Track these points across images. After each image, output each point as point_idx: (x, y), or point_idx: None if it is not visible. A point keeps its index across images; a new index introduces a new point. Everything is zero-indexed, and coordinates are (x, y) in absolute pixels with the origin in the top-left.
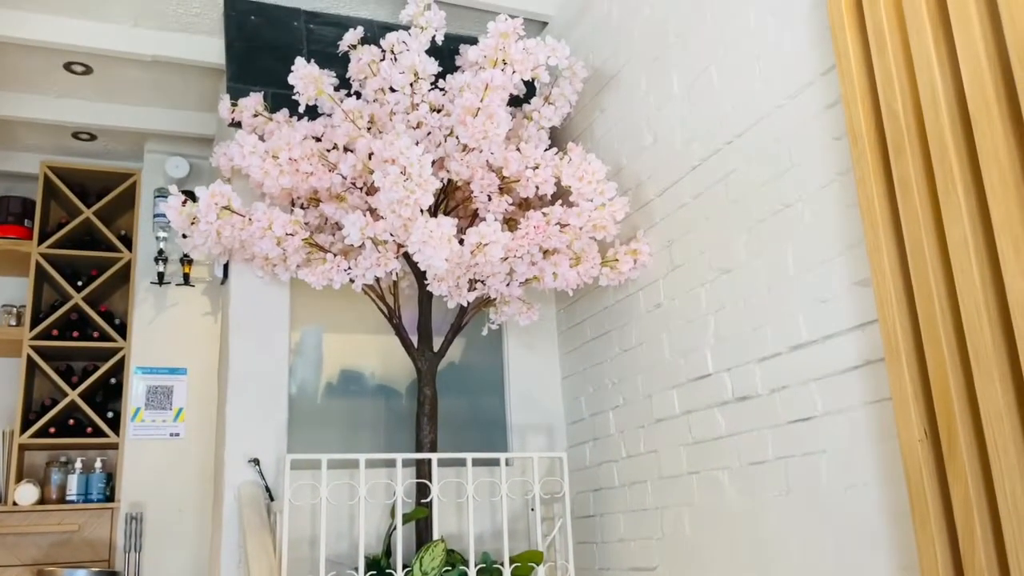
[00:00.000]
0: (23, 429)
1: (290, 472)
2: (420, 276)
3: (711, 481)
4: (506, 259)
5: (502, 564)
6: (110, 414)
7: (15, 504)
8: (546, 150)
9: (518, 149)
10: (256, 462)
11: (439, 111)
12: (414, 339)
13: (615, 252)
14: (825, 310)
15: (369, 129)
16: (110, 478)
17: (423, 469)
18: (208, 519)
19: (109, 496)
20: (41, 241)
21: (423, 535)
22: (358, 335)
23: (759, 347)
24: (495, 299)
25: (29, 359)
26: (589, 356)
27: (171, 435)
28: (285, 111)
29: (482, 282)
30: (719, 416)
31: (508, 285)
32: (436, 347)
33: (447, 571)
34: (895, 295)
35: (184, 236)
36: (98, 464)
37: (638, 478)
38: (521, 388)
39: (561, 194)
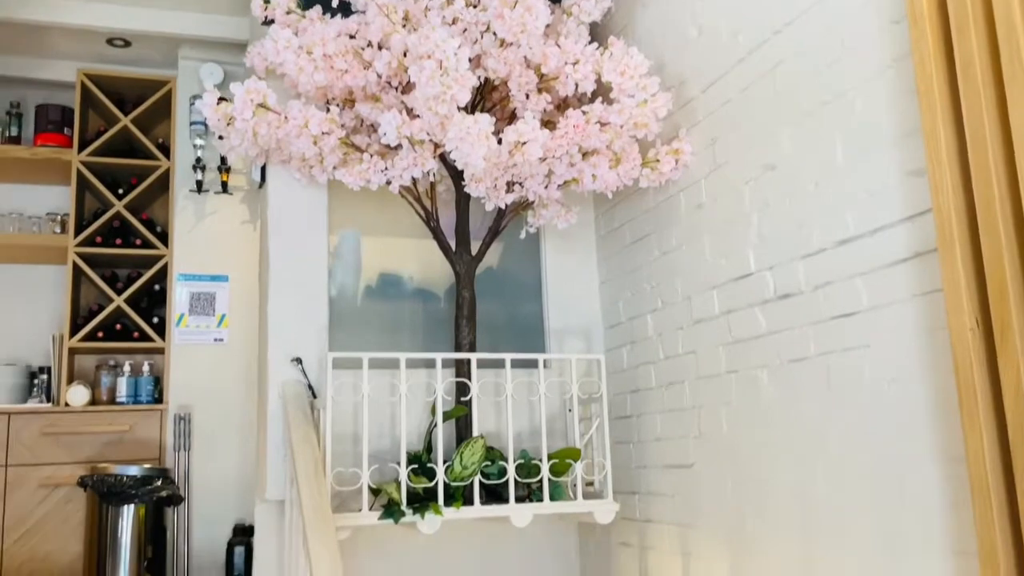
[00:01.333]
0: (72, 333)
1: (332, 370)
2: (457, 178)
3: (750, 380)
4: (544, 160)
5: (540, 460)
6: (155, 320)
7: (67, 405)
8: (586, 45)
9: (557, 45)
10: (299, 361)
11: (475, 6)
12: (452, 243)
13: (656, 152)
14: (874, 203)
15: (404, 26)
16: (158, 381)
17: (462, 369)
18: (252, 420)
19: (157, 398)
20: (81, 149)
21: (463, 433)
22: (396, 239)
23: (804, 244)
24: (533, 202)
25: (75, 266)
26: (628, 260)
27: (215, 340)
28: (318, 8)
29: (520, 184)
30: (759, 315)
31: (546, 187)
32: (474, 251)
33: (487, 465)
34: (951, 183)
35: (220, 138)
36: (146, 367)
37: (676, 379)
38: (559, 292)
39: (601, 92)
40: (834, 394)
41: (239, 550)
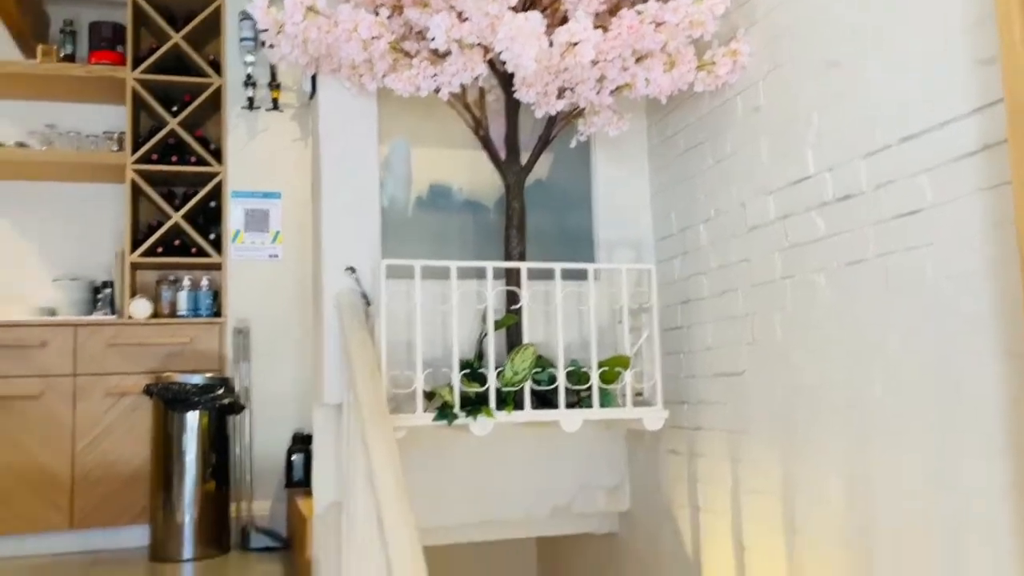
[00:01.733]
0: (133, 249)
1: (385, 278)
2: (507, 84)
3: (806, 284)
4: (596, 64)
5: (590, 368)
6: (212, 236)
7: (131, 318)
8: None
9: None
10: (352, 270)
11: None
12: (501, 153)
13: (712, 55)
14: (941, 95)
15: None
16: (216, 295)
17: (512, 279)
18: (307, 334)
19: (216, 312)
20: (135, 67)
21: (513, 341)
22: (445, 149)
23: (866, 142)
24: (584, 109)
25: (133, 183)
26: (680, 169)
27: (270, 256)
28: None
29: (571, 90)
30: (817, 218)
31: (598, 93)
32: (523, 161)
33: (537, 372)
34: None
35: (271, 46)
36: (204, 282)
37: (728, 287)
38: (609, 204)
39: None
40: (893, 295)
41: (297, 457)
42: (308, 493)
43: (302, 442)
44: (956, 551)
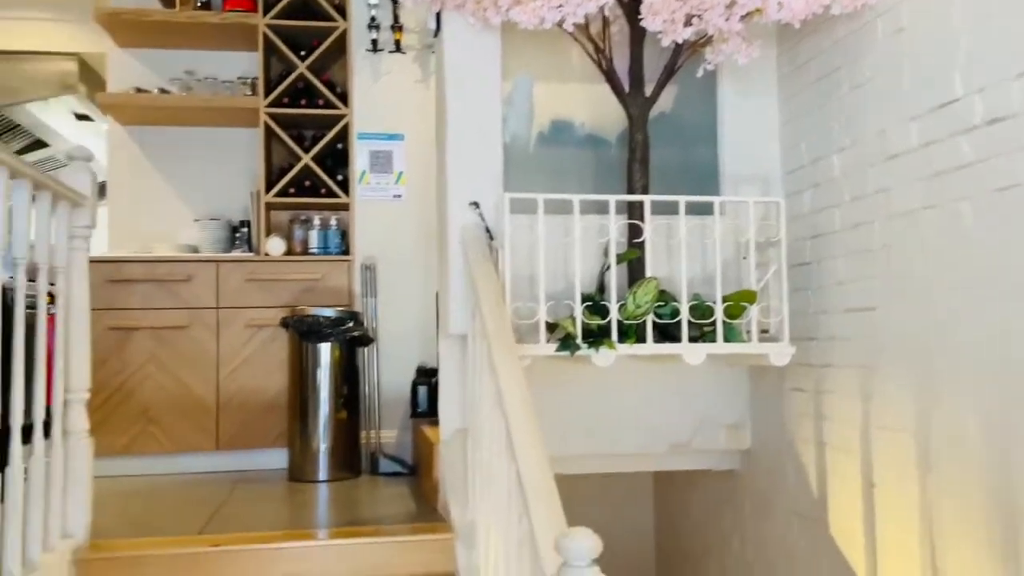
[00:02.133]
0: (267, 190)
1: (509, 212)
2: (632, 14)
3: (950, 214)
4: None
5: (714, 303)
6: (340, 177)
7: (267, 255)
8: None
9: None
10: (476, 205)
11: None
12: (625, 85)
13: None
14: None
15: None
16: (344, 234)
17: (635, 213)
18: (430, 271)
19: (345, 250)
20: (265, 12)
21: (635, 275)
22: (567, 84)
23: (1019, 62)
24: (712, 36)
25: (266, 126)
26: (813, 98)
27: (394, 196)
28: None
29: (699, 16)
30: (964, 144)
31: (727, 19)
32: (647, 93)
33: (659, 306)
34: None
35: None
36: (333, 222)
37: (863, 219)
38: (736, 136)
39: None
40: None
41: (422, 389)
42: (432, 422)
43: (425, 375)
44: None
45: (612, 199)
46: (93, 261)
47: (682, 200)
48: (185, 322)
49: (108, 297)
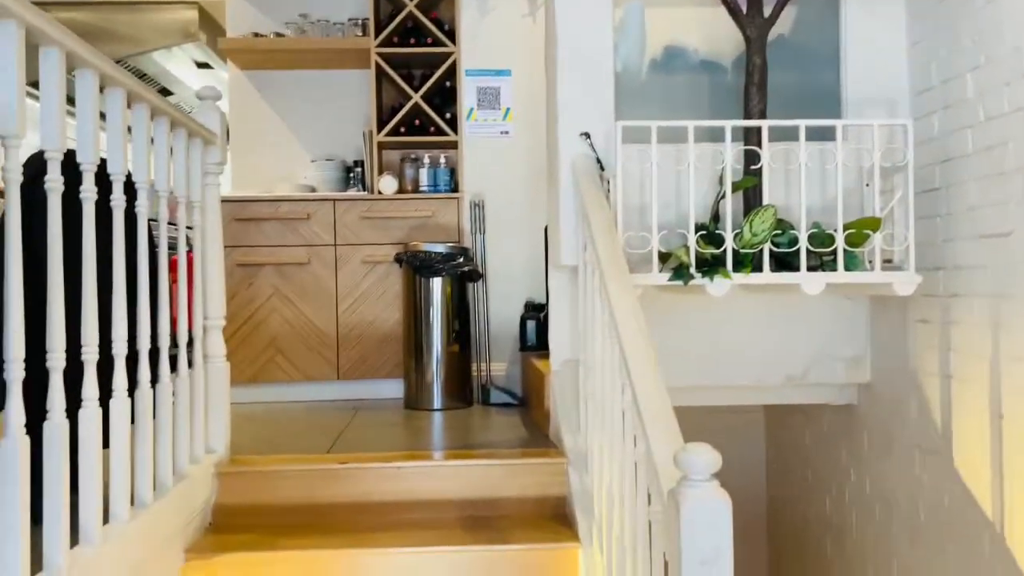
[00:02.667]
0: (379, 129)
1: (621, 142)
2: None
3: None
4: None
5: (834, 231)
6: (448, 115)
7: (380, 193)
8: None
9: None
10: (587, 136)
11: None
12: (742, 7)
13: None
14: None
15: None
16: (453, 172)
17: (752, 139)
18: (537, 208)
19: (454, 187)
20: None
21: (751, 204)
22: (680, 8)
23: None
24: None
25: (377, 66)
26: (943, 15)
27: (501, 133)
28: None
29: None
30: None
31: None
32: (766, 14)
33: (777, 235)
34: None
35: None
36: (442, 160)
37: (998, 140)
38: (860, 58)
39: None
40: None
41: (530, 323)
42: (541, 355)
43: (533, 310)
44: None
45: (728, 125)
46: (226, 200)
47: (802, 124)
48: (305, 259)
49: (236, 235)
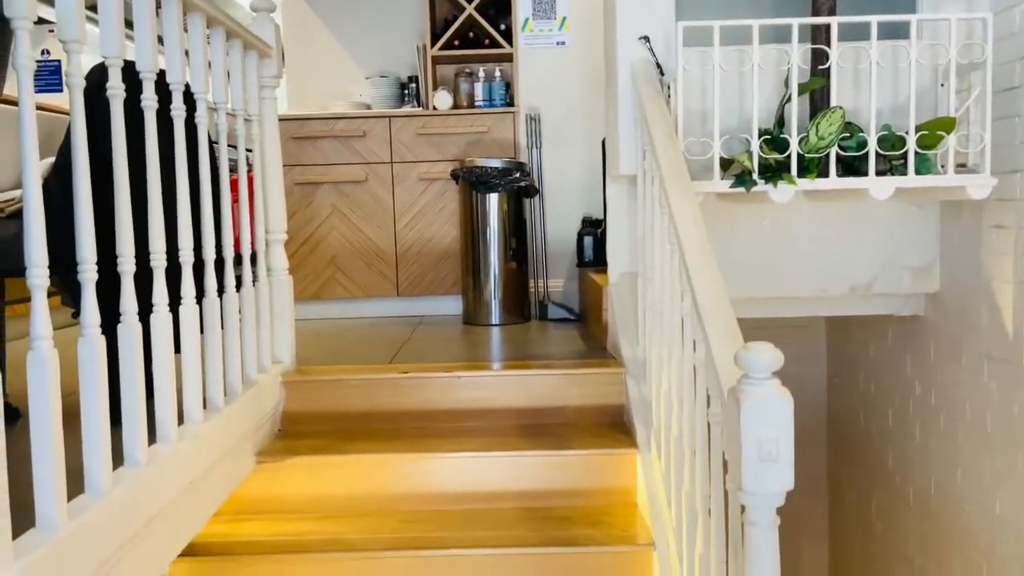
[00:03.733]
0: (432, 43)
1: (682, 44)
2: None
3: None
4: None
5: (905, 133)
6: (503, 26)
7: (435, 109)
8: None
9: None
10: (646, 39)
11: None
12: None
13: None
14: None
15: None
16: (508, 86)
17: (819, 38)
18: (595, 121)
19: (509, 102)
20: None
21: (818, 106)
22: None
23: None
24: None
25: None
26: None
27: (557, 44)
28: None
29: None
30: None
31: None
32: None
33: (844, 138)
34: None
35: None
36: (497, 73)
37: None
38: None
39: None
40: None
41: (588, 239)
42: (598, 271)
43: (591, 225)
44: None
45: (795, 22)
46: (284, 118)
47: (874, 20)
48: (362, 176)
49: (293, 154)
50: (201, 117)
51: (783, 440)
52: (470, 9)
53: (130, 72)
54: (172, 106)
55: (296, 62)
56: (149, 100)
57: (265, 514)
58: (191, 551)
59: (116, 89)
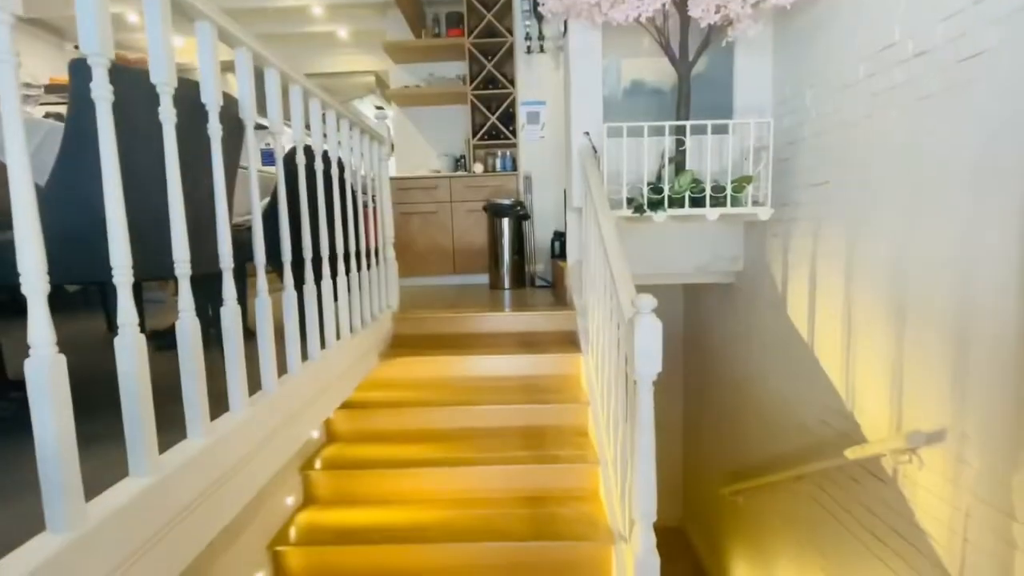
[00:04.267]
0: (473, 136)
1: (606, 136)
2: (682, 7)
3: (880, 119)
4: None
5: (726, 184)
6: (511, 128)
7: (474, 172)
8: None
9: None
10: (587, 133)
11: None
12: (676, 55)
13: None
14: None
15: None
16: (514, 159)
17: (680, 133)
18: (559, 178)
19: (513, 168)
20: (468, 35)
21: (679, 169)
22: (640, 58)
23: (944, 6)
24: (732, 19)
25: (471, 103)
26: (793, 54)
27: (539, 137)
28: None
29: (725, 6)
30: (896, 72)
31: (743, 7)
32: (690, 59)
33: (693, 186)
34: None
35: (542, 5)
36: (508, 154)
37: (822, 129)
38: (744, 83)
39: None
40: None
41: (557, 243)
42: (562, 260)
43: (559, 236)
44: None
45: (668, 124)
46: (394, 178)
47: (709, 123)
48: (435, 209)
49: (399, 196)
50: (348, 176)
51: (655, 345)
52: (493, 119)
53: (307, 150)
54: (334, 172)
55: (401, 148)
56: (319, 168)
57: (383, 387)
58: (345, 405)
59: (318, 169)
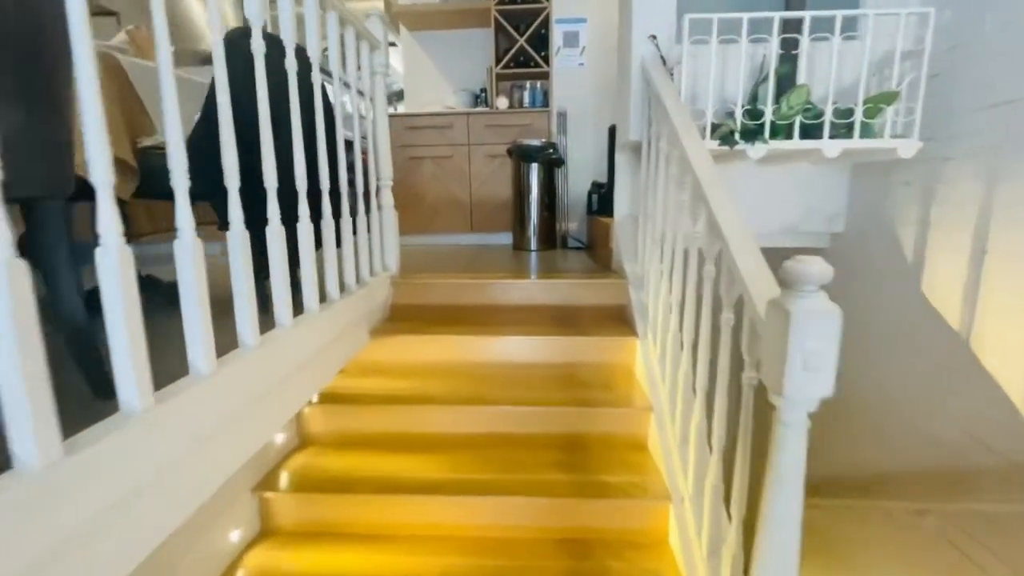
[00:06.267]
0: (496, 64)
1: (688, 35)
2: None
3: None
4: None
5: (855, 105)
6: (543, 53)
7: (497, 108)
8: None
9: None
10: (654, 37)
11: None
12: None
13: None
14: None
15: None
16: (546, 93)
17: (791, 30)
18: (602, 116)
19: (545, 103)
20: None
21: (782, 88)
22: None
23: None
24: None
25: (496, 22)
26: None
27: (578, 64)
28: None
29: None
30: None
31: None
32: None
33: (807, 109)
34: None
35: None
36: (538, 85)
37: (1013, 16)
38: None
39: None
40: None
41: (594, 196)
42: (602, 216)
43: (597, 187)
44: None
45: (777, 16)
46: (400, 115)
47: (839, 14)
48: (450, 154)
49: (408, 138)
50: (315, 76)
51: (828, 352)
52: (522, 41)
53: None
54: (312, 73)
55: (411, 80)
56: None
57: (374, 373)
58: (324, 397)
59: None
